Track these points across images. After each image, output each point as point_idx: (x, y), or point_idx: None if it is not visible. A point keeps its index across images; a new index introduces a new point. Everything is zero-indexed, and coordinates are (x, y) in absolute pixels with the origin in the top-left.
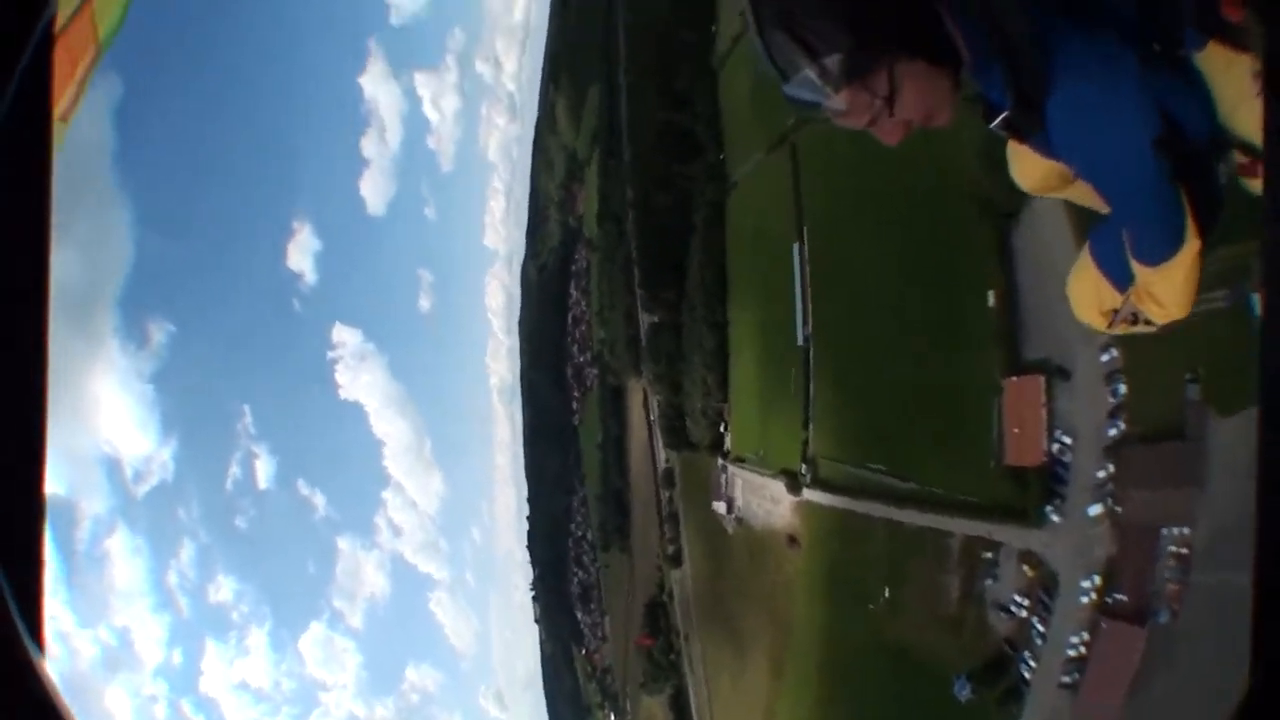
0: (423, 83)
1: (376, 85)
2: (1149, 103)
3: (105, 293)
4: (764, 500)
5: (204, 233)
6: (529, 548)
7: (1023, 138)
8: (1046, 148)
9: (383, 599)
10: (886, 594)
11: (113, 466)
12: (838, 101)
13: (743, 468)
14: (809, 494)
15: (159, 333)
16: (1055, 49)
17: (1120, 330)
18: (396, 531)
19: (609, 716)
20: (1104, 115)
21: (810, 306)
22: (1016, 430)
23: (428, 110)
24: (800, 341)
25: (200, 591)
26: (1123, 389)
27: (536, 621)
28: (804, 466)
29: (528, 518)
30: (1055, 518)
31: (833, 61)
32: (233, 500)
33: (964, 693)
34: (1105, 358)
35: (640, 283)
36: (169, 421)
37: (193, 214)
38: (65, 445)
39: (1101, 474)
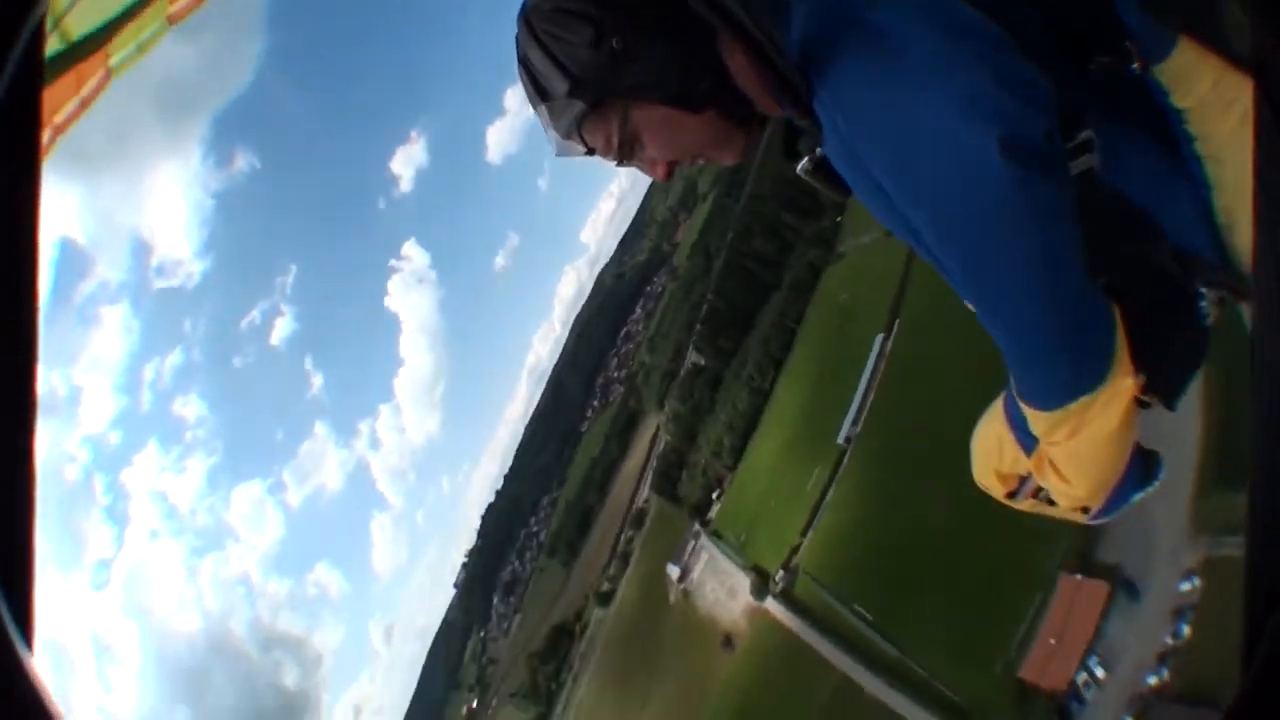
0: None
1: None
2: (998, 80)
3: (209, 103)
4: (721, 587)
5: (324, 96)
6: (483, 518)
7: (846, 191)
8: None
9: (330, 494)
10: None
11: (143, 250)
12: (568, 147)
13: (716, 544)
14: (771, 604)
15: (242, 161)
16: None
17: (1027, 508)
18: (375, 444)
19: (472, 703)
20: (896, 110)
21: (868, 407)
22: (1052, 641)
23: None
24: (841, 440)
25: (168, 398)
26: (1186, 630)
27: (455, 586)
28: (781, 573)
29: (497, 491)
30: None
31: (556, 106)
32: (240, 340)
33: None
34: (1185, 585)
35: (703, 319)
36: (215, 241)
37: (322, 75)
38: (110, 206)
39: None
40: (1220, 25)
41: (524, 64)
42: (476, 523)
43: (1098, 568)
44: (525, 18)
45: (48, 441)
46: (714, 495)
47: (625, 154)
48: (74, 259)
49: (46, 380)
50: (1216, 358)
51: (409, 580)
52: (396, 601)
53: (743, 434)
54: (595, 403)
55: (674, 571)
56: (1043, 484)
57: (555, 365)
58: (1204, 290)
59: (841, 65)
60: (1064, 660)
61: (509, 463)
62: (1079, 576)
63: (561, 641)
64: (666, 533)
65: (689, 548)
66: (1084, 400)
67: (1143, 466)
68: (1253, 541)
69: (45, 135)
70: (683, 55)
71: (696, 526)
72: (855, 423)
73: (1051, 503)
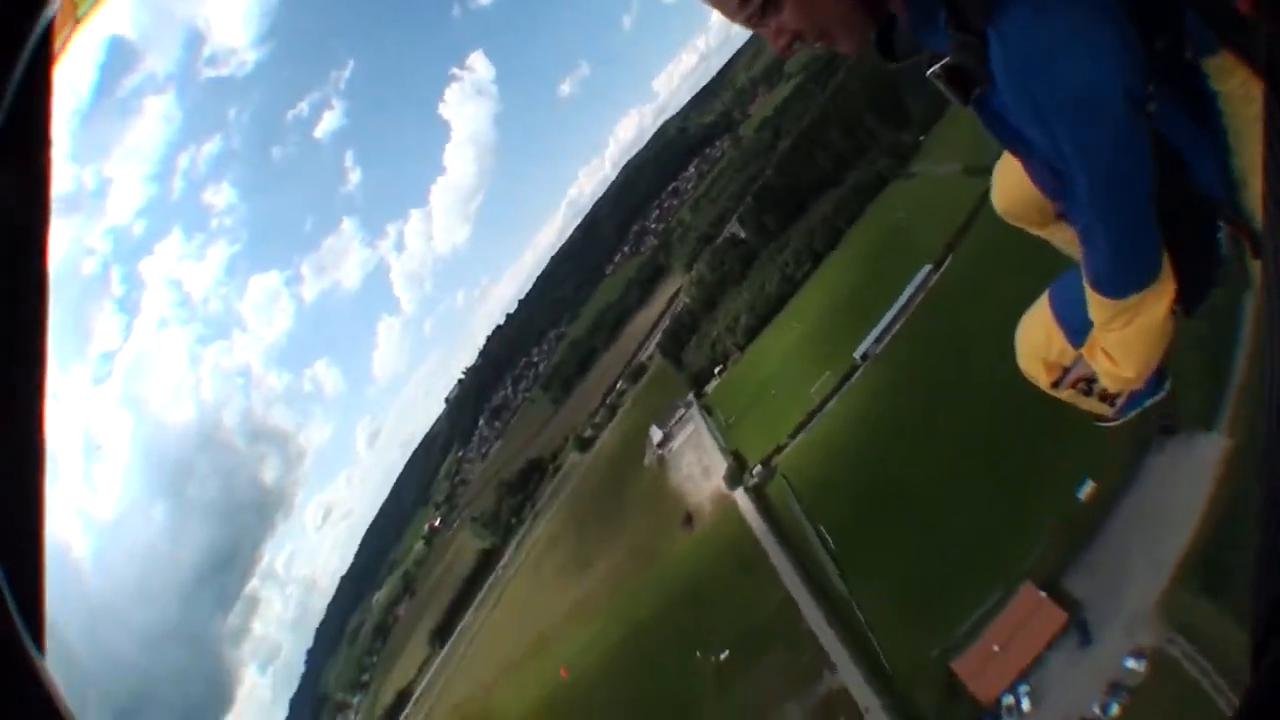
0: None
1: None
2: (1124, 44)
3: None
4: (696, 463)
5: None
6: (489, 339)
7: (969, 95)
8: (1001, 121)
9: (345, 292)
10: (722, 657)
11: (195, 40)
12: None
13: (705, 419)
14: (740, 496)
15: None
16: None
17: (1066, 397)
18: (400, 247)
19: (436, 519)
20: (1060, 48)
21: (894, 332)
22: (995, 647)
23: None
24: (858, 355)
25: (199, 186)
26: (1115, 709)
27: (445, 401)
28: (758, 468)
29: (508, 315)
30: None
31: None
32: (283, 131)
33: None
34: (1131, 663)
35: (755, 194)
36: (274, 30)
37: None
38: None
39: None
40: (1252, 44)
41: None
42: (480, 343)
43: (1063, 594)
44: None
45: (67, 237)
46: (716, 370)
47: (766, 12)
48: (122, 54)
49: (78, 178)
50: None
51: (403, 389)
52: (387, 408)
53: (762, 317)
54: (626, 249)
55: (656, 435)
56: (1093, 364)
57: (596, 203)
58: (1221, 226)
59: (1031, 7)
60: (999, 672)
61: (526, 289)
62: (1043, 593)
63: (533, 476)
64: (660, 394)
65: (677, 415)
66: (1141, 294)
67: (1158, 379)
68: (1263, 543)
69: (65, 30)
70: None
71: (690, 396)
72: (878, 342)
73: (1087, 394)
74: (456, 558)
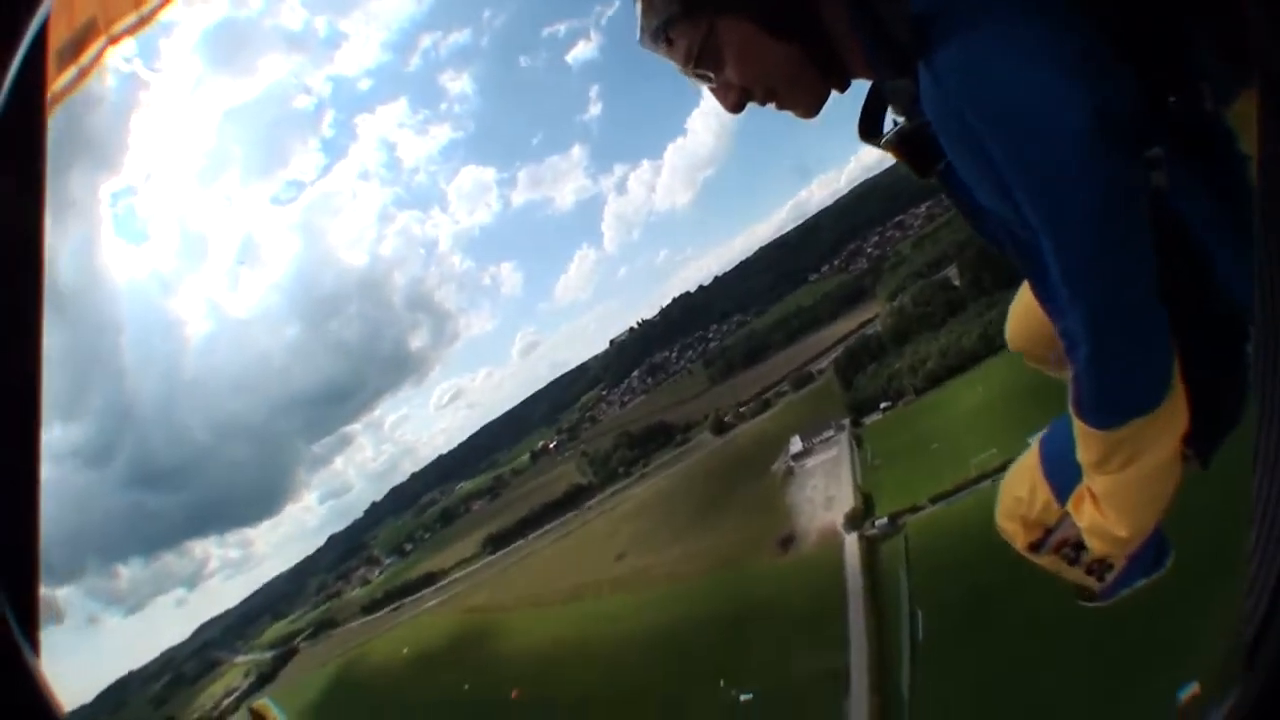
0: None
1: None
2: (1097, 67)
3: None
4: (822, 490)
5: None
6: (673, 301)
7: (928, 165)
8: (967, 193)
9: (554, 210)
10: (743, 698)
11: None
12: (653, 45)
13: (850, 449)
14: (850, 541)
15: None
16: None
17: (1047, 564)
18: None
19: (552, 442)
20: (1006, 68)
21: None
22: None
23: None
24: (1031, 441)
25: (438, 68)
26: None
27: (610, 343)
28: (883, 520)
29: (701, 286)
30: None
31: (655, 7)
32: (535, 45)
33: None
34: None
35: (980, 249)
36: None
37: None
38: None
39: None
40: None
41: None
42: (664, 302)
43: None
44: None
45: (286, 69)
46: (883, 405)
47: (704, 66)
48: None
49: (307, 21)
50: None
51: (577, 317)
52: (555, 328)
53: (950, 368)
54: (834, 262)
55: (795, 445)
56: (1079, 521)
57: (820, 211)
58: (1249, 346)
59: (966, 28)
60: None
61: (726, 269)
62: None
63: (657, 438)
64: (816, 408)
65: (825, 434)
66: (1141, 421)
67: (1155, 548)
68: (1257, 537)
69: (99, 44)
70: None
71: (846, 421)
72: None
73: (1073, 563)
74: (551, 484)
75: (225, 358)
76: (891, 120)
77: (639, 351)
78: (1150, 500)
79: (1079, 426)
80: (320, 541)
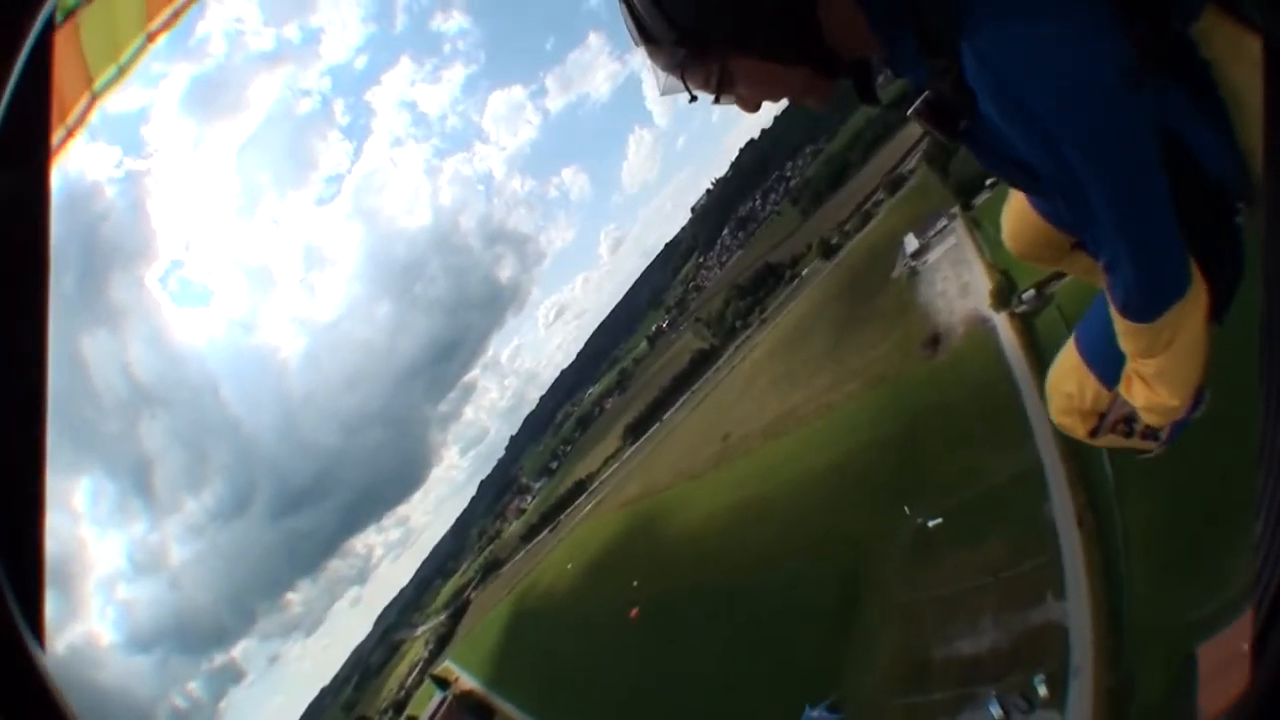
0: None
1: None
2: (1109, 29)
3: None
4: (954, 279)
5: None
6: (741, 151)
7: (955, 130)
8: (995, 152)
9: (594, 103)
10: (931, 524)
11: None
12: (672, 86)
13: (970, 234)
14: (1001, 323)
15: None
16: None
17: (1108, 443)
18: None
19: (664, 322)
20: (1043, 49)
21: None
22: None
23: None
24: None
25: (426, 16)
26: None
27: (691, 210)
28: (1031, 292)
29: (763, 130)
30: None
31: (660, 49)
32: None
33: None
34: None
35: None
36: None
37: None
38: None
39: None
40: None
41: (629, 7)
42: (733, 155)
43: None
44: None
45: (276, 86)
46: (988, 182)
47: (722, 93)
48: None
49: (276, 36)
50: None
51: (652, 199)
52: (634, 216)
53: None
54: None
55: (911, 244)
56: (1131, 401)
57: None
58: (1239, 209)
59: (998, 11)
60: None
61: (783, 107)
62: None
63: (767, 280)
64: (920, 205)
65: (938, 226)
66: (1177, 308)
67: (1197, 395)
68: (1262, 535)
69: (138, 41)
70: (782, 9)
71: (956, 208)
72: None
73: (1128, 435)
74: (675, 359)
75: (329, 363)
76: (889, 85)
77: (722, 211)
78: (1193, 370)
79: (1124, 325)
80: (472, 491)
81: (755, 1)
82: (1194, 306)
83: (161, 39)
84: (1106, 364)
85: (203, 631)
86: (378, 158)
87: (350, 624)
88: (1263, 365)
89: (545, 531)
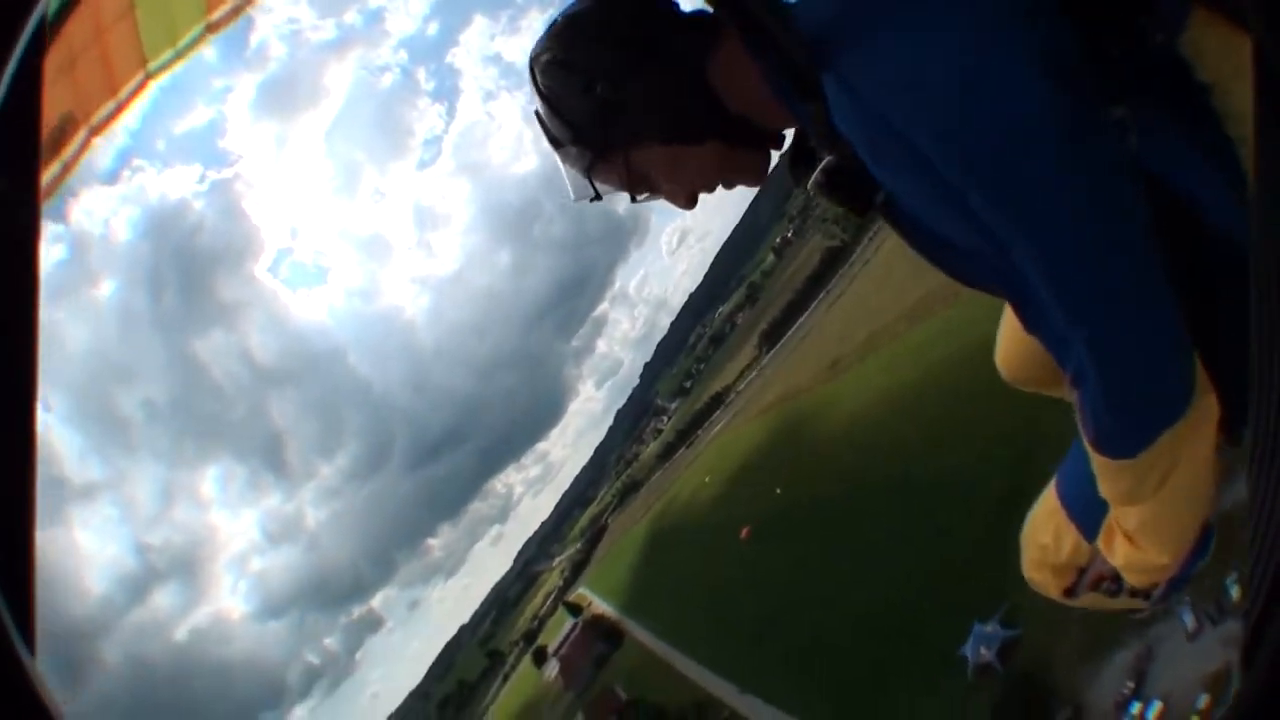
0: None
1: None
2: (1054, 37)
3: None
4: None
5: None
6: None
7: (866, 205)
8: (920, 226)
9: None
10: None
11: None
12: (584, 190)
13: None
14: None
15: None
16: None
17: (1086, 603)
18: None
19: (789, 231)
20: (937, 58)
21: None
22: None
23: None
24: None
25: None
26: None
27: None
28: None
29: None
30: None
31: (567, 153)
32: None
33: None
34: None
35: None
36: None
37: None
38: None
39: None
40: None
41: (536, 114)
42: None
43: None
44: (530, 69)
45: (350, 69)
46: None
47: (641, 191)
48: None
49: (336, 24)
50: None
51: None
52: None
53: None
54: None
55: None
56: (1112, 560)
57: None
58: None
59: (862, 26)
60: None
61: None
62: None
63: None
64: None
65: None
66: (1170, 434)
67: (1202, 540)
68: (1254, 536)
69: (80, 136)
70: (672, 89)
71: None
72: None
73: (1114, 595)
74: (804, 263)
75: (455, 314)
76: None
77: None
78: (1192, 516)
79: (1099, 461)
80: (610, 421)
81: (641, 89)
82: (1195, 431)
83: (222, 31)
84: (1088, 509)
85: (340, 587)
86: (472, 114)
87: (491, 562)
88: (1254, 368)
89: (682, 449)
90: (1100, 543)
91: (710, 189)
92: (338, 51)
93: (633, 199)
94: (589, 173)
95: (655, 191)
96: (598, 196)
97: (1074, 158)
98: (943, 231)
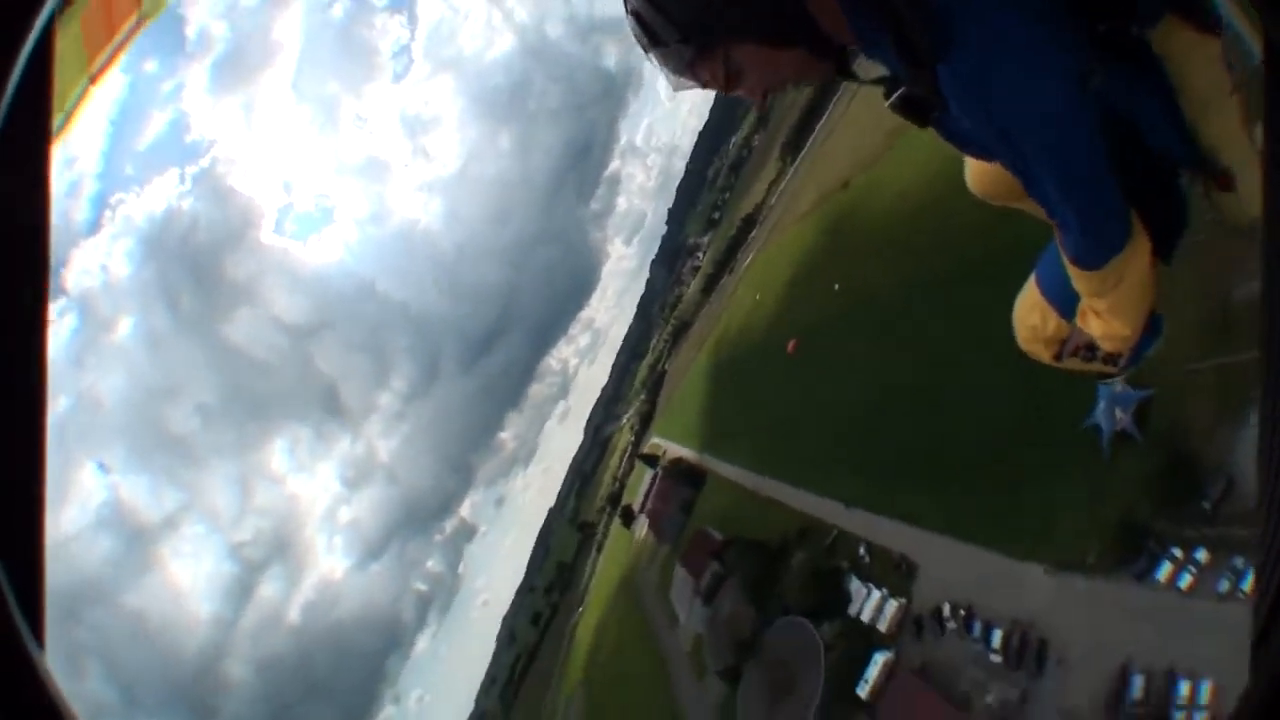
0: None
1: None
2: (1071, 48)
3: None
4: None
5: None
6: None
7: (927, 119)
8: (960, 136)
9: None
10: None
11: None
12: (682, 83)
13: None
14: None
15: None
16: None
17: (1073, 366)
18: None
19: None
20: (1015, 78)
21: None
22: None
23: None
24: None
25: None
26: None
27: None
28: None
29: None
30: None
31: (668, 51)
32: None
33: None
34: None
35: None
36: None
37: None
38: None
39: None
40: (1196, 5)
41: (635, 15)
42: None
43: None
44: None
45: (298, 15)
46: None
47: (730, 86)
48: None
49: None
50: None
51: None
52: None
53: None
54: None
55: None
56: (1087, 331)
57: None
58: (1181, 174)
59: (976, 38)
60: None
61: None
62: None
63: None
64: None
65: None
66: (1120, 256)
67: (1152, 327)
68: (1264, 536)
69: (80, 86)
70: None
71: None
72: None
73: (1089, 360)
74: None
75: (469, 210)
76: (869, 72)
77: None
78: (1141, 304)
79: (1075, 272)
80: (646, 274)
81: None
82: (1135, 254)
83: (149, 23)
84: (1064, 299)
85: (429, 507)
86: (434, 12)
87: (562, 439)
88: (1264, 366)
89: (724, 276)
90: (1078, 321)
91: (783, 89)
92: (279, 3)
93: (726, 93)
94: (689, 67)
95: (741, 86)
96: (703, 84)
97: (1076, 122)
98: (978, 139)
